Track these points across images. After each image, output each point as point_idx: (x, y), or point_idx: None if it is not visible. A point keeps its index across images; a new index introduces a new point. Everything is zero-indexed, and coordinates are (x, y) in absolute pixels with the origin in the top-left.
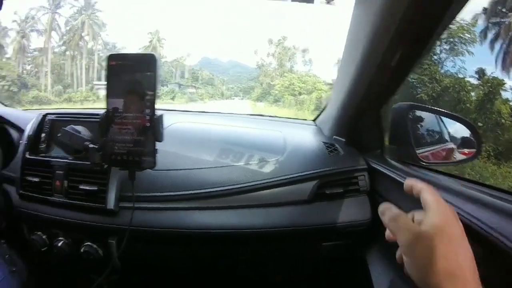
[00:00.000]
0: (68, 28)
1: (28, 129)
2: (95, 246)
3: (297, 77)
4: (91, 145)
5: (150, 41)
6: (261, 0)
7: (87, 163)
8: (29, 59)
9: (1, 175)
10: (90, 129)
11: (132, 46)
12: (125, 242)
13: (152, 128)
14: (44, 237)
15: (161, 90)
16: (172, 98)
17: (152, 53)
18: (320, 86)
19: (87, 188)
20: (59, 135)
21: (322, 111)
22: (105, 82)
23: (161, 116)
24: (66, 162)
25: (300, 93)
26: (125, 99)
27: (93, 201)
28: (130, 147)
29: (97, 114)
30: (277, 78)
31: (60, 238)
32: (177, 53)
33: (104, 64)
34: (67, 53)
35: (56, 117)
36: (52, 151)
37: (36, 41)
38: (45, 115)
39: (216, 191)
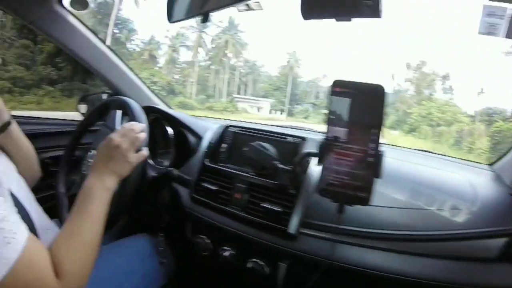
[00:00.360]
0: (213, 45)
1: (209, 137)
2: (262, 263)
3: (436, 106)
4: (280, 165)
5: (288, 61)
6: (400, 24)
7: (273, 182)
8: (178, 69)
9: (171, 173)
10: (276, 147)
11: (270, 64)
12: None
13: (374, 164)
14: (207, 241)
15: (296, 108)
16: (306, 117)
17: (380, 84)
18: (461, 118)
19: (270, 207)
20: (245, 149)
21: (503, 156)
22: (248, 97)
23: (383, 152)
24: (250, 176)
25: (438, 124)
26: (348, 129)
27: (274, 221)
28: (346, 180)
29: (282, 134)
30: (414, 105)
31: (226, 248)
32: (313, 74)
33: (244, 79)
34: (212, 67)
35: (240, 130)
36: (230, 163)
37: (184, 55)
38: (227, 127)
39: (407, 234)
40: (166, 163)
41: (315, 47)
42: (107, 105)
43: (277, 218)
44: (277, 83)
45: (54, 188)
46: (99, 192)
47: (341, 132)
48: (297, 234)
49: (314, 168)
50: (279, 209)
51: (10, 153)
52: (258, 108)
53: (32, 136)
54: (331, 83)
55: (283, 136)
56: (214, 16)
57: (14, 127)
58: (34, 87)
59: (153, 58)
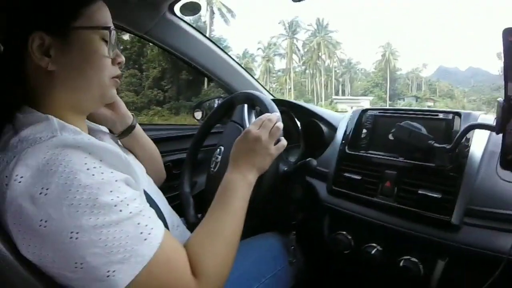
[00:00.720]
0: (305, 50)
1: (345, 124)
2: (416, 261)
3: None
4: (436, 144)
5: (383, 54)
6: None
7: (429, 164)
8: (274, 78)
9: (310, 164)
10: (426, 126)
11: (366, 61)
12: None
13: None
14: (349, 237)
15: (398, 103)
16: None
17: None
18: None
19: (429, 194)
20: (393, 130)
21: None
22: (347, 97)
23: None
24: (402, 161)
25: None
26: None
27: (434, 210)
28: None
29: (431, 111)
30: None
31: (372, 244)
32: (412, 64)
33: (341, 79)
34: (307, 71)
35: (380, 112)
36: (373, 149)
37: (279, 63)
38: (365, 110)
39: None
40: (292, 158)
41: (410, 36)
42: (233, 100)
43: (437, 206)
44: (375, 79)
45: (177, 189)
46: (240, 187)
47: None
48: (461, 225)
49: (476, 145)
50: (439, 196)
51: (137, 155)
52: (358, 108)
53: (154, 142)
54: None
55: (433, 113)
56: (302, 20)
57: (139, 130)
58: (144, 109)
59: (248, 70)
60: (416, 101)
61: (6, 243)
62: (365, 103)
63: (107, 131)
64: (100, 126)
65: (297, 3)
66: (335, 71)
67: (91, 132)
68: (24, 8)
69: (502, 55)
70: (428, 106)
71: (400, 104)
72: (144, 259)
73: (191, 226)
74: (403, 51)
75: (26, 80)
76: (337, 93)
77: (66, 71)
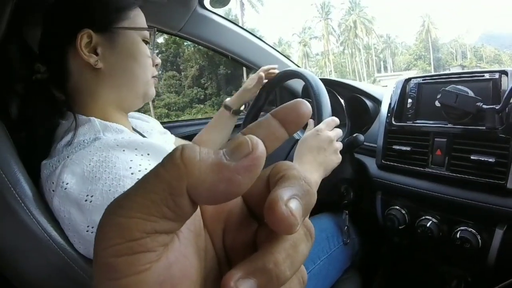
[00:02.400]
0: (342, 29)
1: (390, 95)
2: (473, 231)
3: None
4: (484, 106)
5: (422, 25)
6: None
7: (480, 128)
8: (313, 62)
9: (358, 140)
10: (472, 89)
11: (405, 33)
12: None
13: None
14: (403, 212)
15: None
16: None
17: None
18: None
19: (482, 159)
20: (439, 96)
21: None
22: (390, 73)
23: None
24: (451, 127)
25: None
26: None
27: (486, 176)
28: None
29: (476, 72)
30: None
31: (427, 217)
32: (454, 32)
33: (382, 56)
34: (345, 51)
35: (423, 80)
36: (420, 118)
37: (316, 46)
38: (408, 79)
39: None
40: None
41: (448, 1)
42: (281, 77)
43: (491, 171)
44: (416, 51)
45: None
46: None
47: None
48: None
49: None
50: (493, 160)
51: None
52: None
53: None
54: (475, 38)
55: (478, 74)
56: None
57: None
58: (187, 108)
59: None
60: (462, 70)
61: (61, 235)
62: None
63: (155, 127)
64: (147, 120)
65: None
66: (375, 47)
67: (137, 129)
68: (72, 7)
69: None
70: None
71: None
72: None
73: None
74: (443, 19)
75: (69, 82)
76: (379, 70)
77: (113, 69)
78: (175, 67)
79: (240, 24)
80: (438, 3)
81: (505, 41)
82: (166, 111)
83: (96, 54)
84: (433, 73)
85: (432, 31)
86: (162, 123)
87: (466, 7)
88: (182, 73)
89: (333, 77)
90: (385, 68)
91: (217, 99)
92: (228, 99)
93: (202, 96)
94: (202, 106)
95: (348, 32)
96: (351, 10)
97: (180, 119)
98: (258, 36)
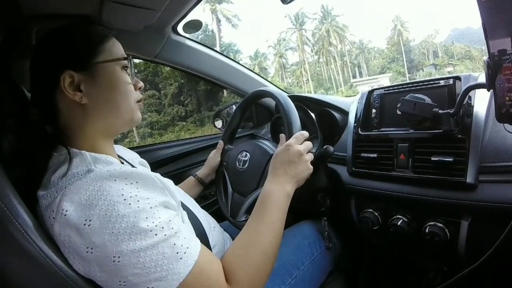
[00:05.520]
0: (316, 38)
1: (356, 106)
2: (441, 225)
3: None
4: (440, 111)
5: (393, 28)
6: None
7: (436, 131)
8: (289, 73)
9: (328, 151)
10: (429, 95)
11: (377, 37)
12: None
13: None
14: (376, 214)
15: (417, 75)
16: None
17: None
18: None
19: (441, 159)
20: (398, 105)
21: None
22: (366, 78)
23: None
24: (411, 132)
25: None
26: None
27: (448, 174)
28: None
29: (432, 80)
30: None
31: (398, 216)
32: (424, 32)
33: (356, 62)
34: (321, 60)
35: (386, 90)
36: (384, 126)
37: (292, 57)
38: (371, 91)
39: None
40: (313, 149)
41: (415, 4)
42: (253, 97)
43: (451, 169)
44: (389, 55)
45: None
46: (278, 198)
47: (507, 43)
48: (476, 183)
49: (479, 104)
50: (451, 159)
51: None
52: (379, 86)
53: (180, 156)
54: (444, 36)
55: (434, 82)
56: (306, 10)
57: None
58: (169, 126)
59: (263, 70)
60: (435, 69)
61: (60, 258)
62: (385, 80)
63: (137, 160)
64: (129, 155)
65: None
66: (349, 54)
67: (121, 159)
68: (52, 52)
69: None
70: (448, 72)
71: (420, 75)
72: (180, 276)
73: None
74: (412, 21)
75: (59, 118)
76: (354, 76)
77: (98, 102)
78: (154, 86)
79: (217, 39)
80: (407, 6)
81: (473, 37)
82: (150, 130)
83: (80, 90)
84: (408, 79)
85: (403, 33)
86: (145, 146)
87: (433, 7)
88: (162, 92)
89: (311, 85)
90: (361, 74)
91: (198, 115)
92: (199, 171)
93: (183, 113)
94: (184, 123)
95: (322, 41)
96: (323, 19)
97: (163, 138)
98: (234, 51)
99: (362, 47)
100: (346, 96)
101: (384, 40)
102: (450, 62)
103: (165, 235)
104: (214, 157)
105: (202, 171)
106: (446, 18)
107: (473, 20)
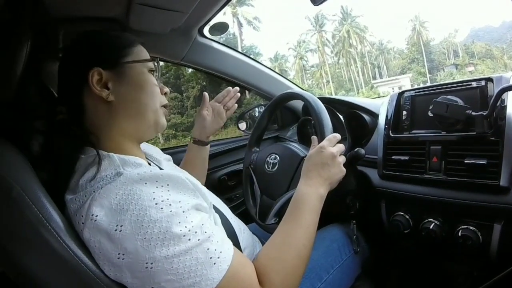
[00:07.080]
0: (336, 40)
1: (386, 108)
2: (473, 228)
3: None
4: (473, 113)
5: (413, 28)
6: None
7: (469, 134)
8: (309, 74)
9: (359, 154)
10: (462, 97)
11: (397, 38)
12: None
13: None
14: (407, 217)
15: (439, 75)
16: None
17: None
18: None
19: (475, 162)
20: (430, 107)
21: None
22: (386, 79)
23: None
24: (444, 135)
25: None
26: None
27: (480, 177)
28: None
29: (464, 82)
30: None
31: (429, 220)
32: (444, 32)
33: (376, 63)
34: (340, 61)
35: (416, 92)
36: (416, 128)
37: (312, 59)
38: (401, 93)
39: None
40: None
41: (434, 3)
42: (282, 99)
43: (484, 172)
44: (410, 55)
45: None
46: (312, 201)
47: None
48: (510, 186)
49: None
50: (485, 162)
51: (195, 169)
52: (400, 87)
53: (209, 157)
54: (464, 35)
55: (466, 83)
56: (326, 11)
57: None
58: (192, 127)
59: (283, 72)
60: (456, 68)
61: (93, 262)
62: (405, 81)
63: (161, 156)
64: (153, 150)
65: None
66: (369, 55)
67: (148, 157)
68: (82, 50)
69: None
70: (470, 72)
71: (441, 75)
72: (214, 281)
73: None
74: (431, 21)
75: (85, 117)
76: (375, 77)
77: (124, 100)
78: (176, 88)
79: (238, 42)
80: (426, 5)
81: (493, 35)
82: (173, 131)
83: (107, 88)
84: (428, 80)
85: (423, 33)
86: (169, 148)
87: (452, 6)
88: (184, 94)
89: (331, 86)
90: (381, 74)
91: None
92: (194, 134)
93: None
94: None
95: (342, 42)
96: (343, 20)
97: (187, 140)
98: (255, 54)
99: (382, 48)
100: (367, 97)
101: (404, 40)
102: (471, 61)
103: (198, 239)
104: (201, 112)
105: (196, 132)
106: (465, 17)
107: (492, 18)
